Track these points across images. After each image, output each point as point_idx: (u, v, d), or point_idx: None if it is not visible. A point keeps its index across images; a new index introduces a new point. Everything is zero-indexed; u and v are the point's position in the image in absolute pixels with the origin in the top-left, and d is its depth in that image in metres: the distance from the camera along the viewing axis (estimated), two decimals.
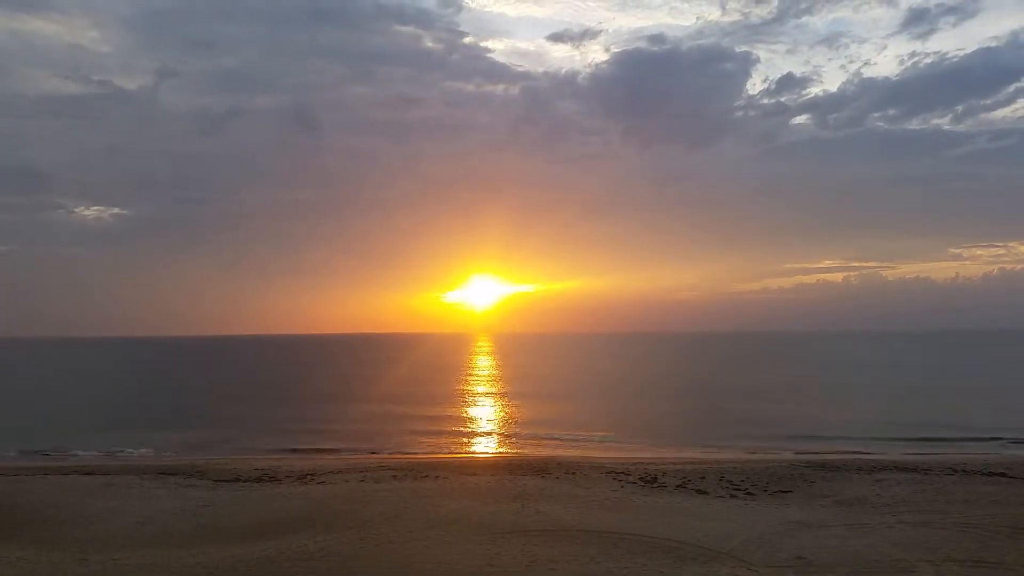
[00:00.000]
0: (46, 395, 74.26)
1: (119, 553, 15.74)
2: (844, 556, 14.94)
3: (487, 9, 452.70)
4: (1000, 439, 38.79)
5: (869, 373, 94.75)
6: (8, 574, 14.06)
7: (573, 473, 26.31)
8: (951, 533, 16.57)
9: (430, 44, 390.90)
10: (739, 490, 23.46)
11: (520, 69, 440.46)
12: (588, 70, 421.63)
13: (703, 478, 25.49)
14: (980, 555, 14.77)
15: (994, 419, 47.04)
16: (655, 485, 24.27)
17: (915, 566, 14.09)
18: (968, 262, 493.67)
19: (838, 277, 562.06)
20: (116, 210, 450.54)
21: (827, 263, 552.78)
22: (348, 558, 14.87)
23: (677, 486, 24.08)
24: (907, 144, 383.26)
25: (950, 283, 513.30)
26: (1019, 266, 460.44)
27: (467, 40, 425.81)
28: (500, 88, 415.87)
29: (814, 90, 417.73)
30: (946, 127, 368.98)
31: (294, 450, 39.27)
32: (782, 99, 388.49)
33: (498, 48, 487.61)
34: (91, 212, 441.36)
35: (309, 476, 26.50)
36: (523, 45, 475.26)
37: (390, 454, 37.20)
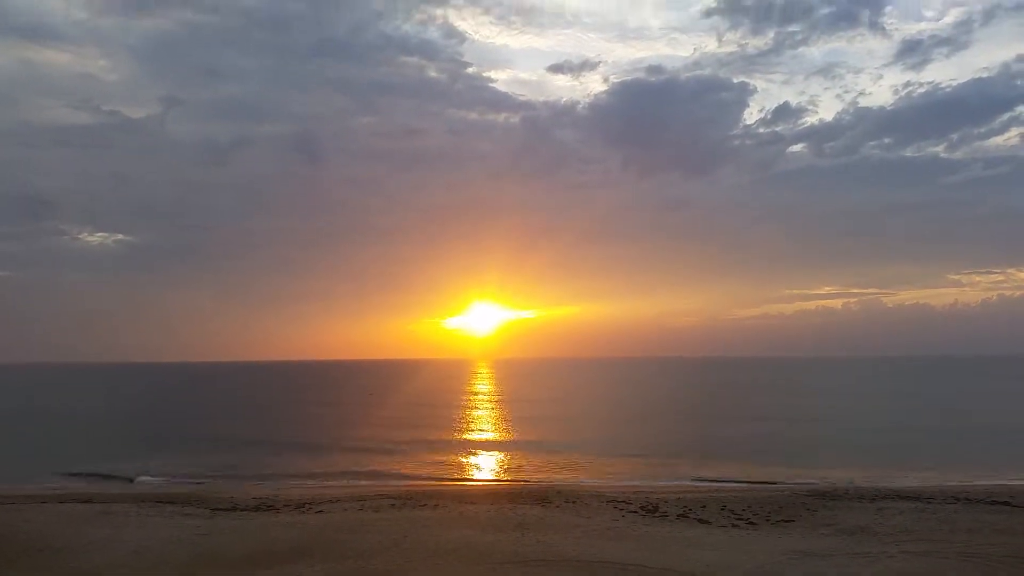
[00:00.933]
0: (45, 421, 73.87)
1: None
2: None
3: (489, 40, 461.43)
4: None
5: (869, 400, 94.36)
6: None
7: (573, 502, 26.14)
8: (954, 562, 16.43)
9: (434, 74, 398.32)
10: (741, 519, 23.28)
11: (521, 99, 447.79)
12: (587, 100, 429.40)
13: (704, 507, 25.32)
14: None
15: (993, 447, 46.84)
16: (656, 514, 24.10)
17: None
18: (967, 288, 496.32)
19: (838, 303, 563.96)
20: (120, 236, 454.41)
21: (827, 289, 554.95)
22: None
23: (678, 515, 23.92)
24: (903, 172, 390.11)
25: (949, 309, 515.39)
26: (1018, 292, 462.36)
27: (470, 70, 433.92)
28: (501, 117, 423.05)
29: (810, 119, 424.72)
30: (941, 155, 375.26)
31: (292, 477, 39.01)
32: (778, 128, 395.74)
33: (500, 78, 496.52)
34: (95, 238, 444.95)
35: (307, 505, 26.33)
36: (524, 75, 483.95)
37: (389, 483, 36.96)
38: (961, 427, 59.98)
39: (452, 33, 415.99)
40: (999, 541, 18.63)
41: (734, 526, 22.23)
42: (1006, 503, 25.16)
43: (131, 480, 38.24)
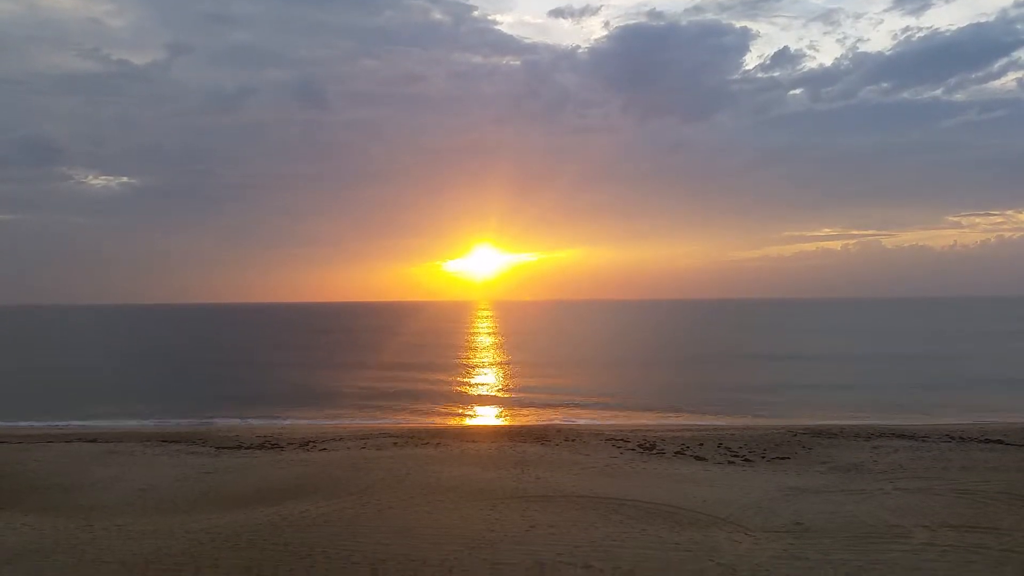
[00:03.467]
0: (49, 362, 74.63)
1: (123, 519, 15.89)
2: (841, 522, 15.07)
3: None
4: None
5: (867, 340, 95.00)
6: (13, 541, 14.21)
7: (572, 440, 26.50)
8: (947, 499, 16.69)
9: (438, 16, 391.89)
10: (737, 456, 23.63)
11: (523, 43, 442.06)
12: (588, 44, 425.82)
13: (701, 445, 25.67)
14: (976, 521, 14.89)
15: (988, 387, 47.32)
16: (654, 452, 24.45)
17: (911, 532, 14.22)
18: (967, 230, 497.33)
19: (837, 245, 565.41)
20: (124, 179, 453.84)
21: (826, 231, 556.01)
22: (350, 523, 15.02)
23: (676, 453, 24.26)
24: (901, 116, 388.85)
25: (948, 250, 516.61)
26: (1018, 234, 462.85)
27: (475, 14, 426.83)
28: (504, 61, 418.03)
29: (809, 64, 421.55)
30: (940, 98, 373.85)
31: (296, 416, 39.53)
32: (777, 73, 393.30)
33: (503, 22, 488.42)
34: (99, 181, 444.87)
35: (311, 443, 26.71)
36: (526, 19, 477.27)
37: (391, 421, 37.49)
38: (957, 367, 60.50)
39: None
40: (992, 478, 18.90)
41: (730, 463, 22.56)
42: (999, 441, 25.48)
43: (135, 419, 38.76)
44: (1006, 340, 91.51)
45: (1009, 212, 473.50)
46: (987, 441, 25.53)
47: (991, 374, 54.84)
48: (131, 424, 36.35)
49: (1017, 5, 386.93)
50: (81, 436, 29.17)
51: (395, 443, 26.01)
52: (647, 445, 25.64)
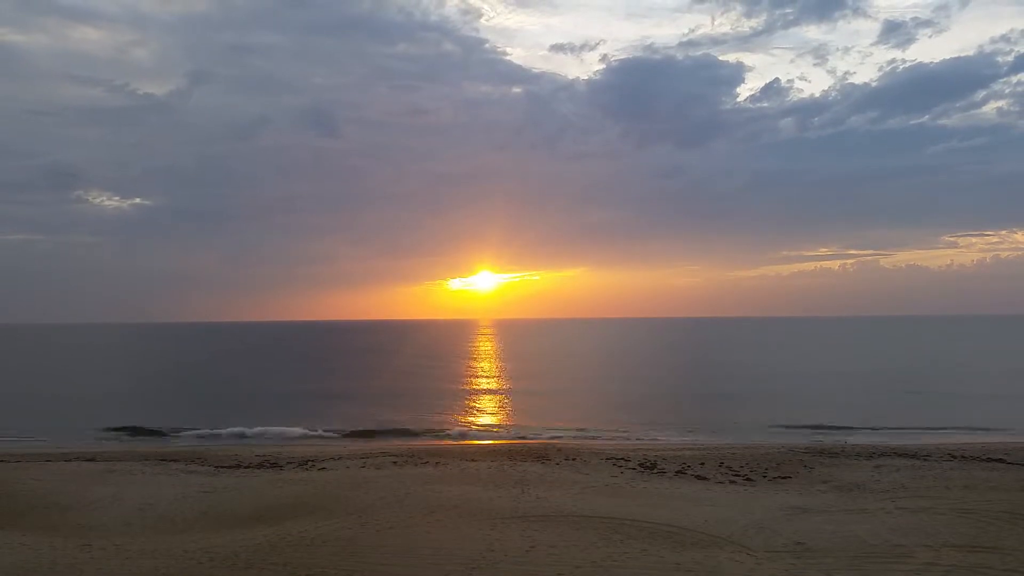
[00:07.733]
0: (51, 381, 74.46)
1: (121, 539, 15.80)
2: (843, 541, 14.99)
3: (494, 22, 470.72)
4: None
5: (867, 359, 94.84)
6: (11, 560, 14.12)
7: (573, 459, 26.39)
8: (949, 519, 16.60)
9: (449, 47, 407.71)
10: (738, 476, 23.53)
11: (527, 75, 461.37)
12: (589, 76, 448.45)
13: (702, 464, 25.56)
14: (978, 540, 14.81)
15: (989, 406, 47.19)
16: (654, 471, 24.35)
17: (913, 551, 14.13)
18: (963, 249, 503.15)
19: (835, 264, 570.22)
20: (137, 200, 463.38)
21: (823, 251, 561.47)
22: (350, 543, 14.94)
23: (676, 472, 24.16)
24: (889, 143, 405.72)
25: (945, 270, 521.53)
26: (1014, 254, 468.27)
27: (485, 46, 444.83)
28: (511, 91, 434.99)
29: (799, 95, 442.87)
30: (926, 125, 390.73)
31: (296, 435, 39.39)
32: (768, 104, 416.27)
33: (510, 55, 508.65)
34: (111, 203, 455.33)
35: (310, 462, 26.60)
36: (530, 54, 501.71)
37: (391, 440, 37.34)
38: (957, 385, 60.36)
39: (467, 11, 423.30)
40: (994, 498, 18.80)
41: (731, 482, 22.45)
42: (1001, 460, 25.39)
43: (135, 438, 38.58)
44: (1005, 359, 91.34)
45: (1004, 232, 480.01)
46: (989, 460, 25.43)
47: (991, 393, 54.71)
48: (130, 442, 36.20)
49: (993, 41, 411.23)
50: (79, 455, 29.06)
51: (395, 462, 25.90)
52: (648, 464, 25.54)
